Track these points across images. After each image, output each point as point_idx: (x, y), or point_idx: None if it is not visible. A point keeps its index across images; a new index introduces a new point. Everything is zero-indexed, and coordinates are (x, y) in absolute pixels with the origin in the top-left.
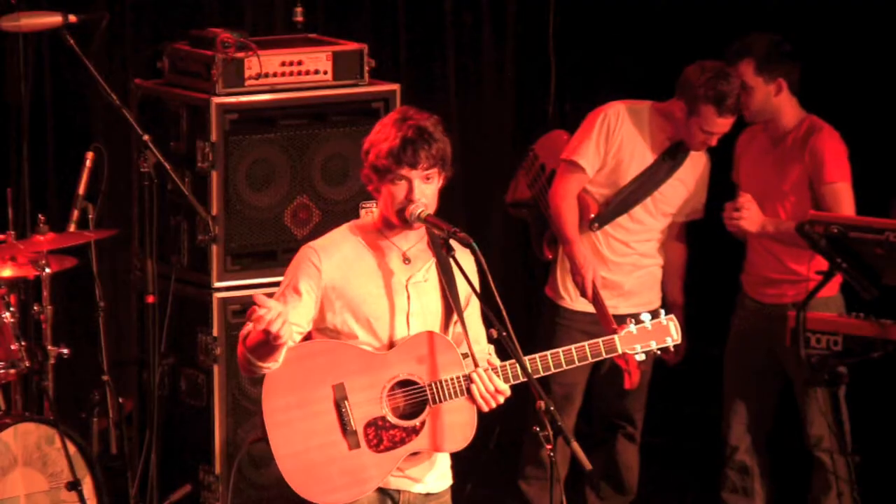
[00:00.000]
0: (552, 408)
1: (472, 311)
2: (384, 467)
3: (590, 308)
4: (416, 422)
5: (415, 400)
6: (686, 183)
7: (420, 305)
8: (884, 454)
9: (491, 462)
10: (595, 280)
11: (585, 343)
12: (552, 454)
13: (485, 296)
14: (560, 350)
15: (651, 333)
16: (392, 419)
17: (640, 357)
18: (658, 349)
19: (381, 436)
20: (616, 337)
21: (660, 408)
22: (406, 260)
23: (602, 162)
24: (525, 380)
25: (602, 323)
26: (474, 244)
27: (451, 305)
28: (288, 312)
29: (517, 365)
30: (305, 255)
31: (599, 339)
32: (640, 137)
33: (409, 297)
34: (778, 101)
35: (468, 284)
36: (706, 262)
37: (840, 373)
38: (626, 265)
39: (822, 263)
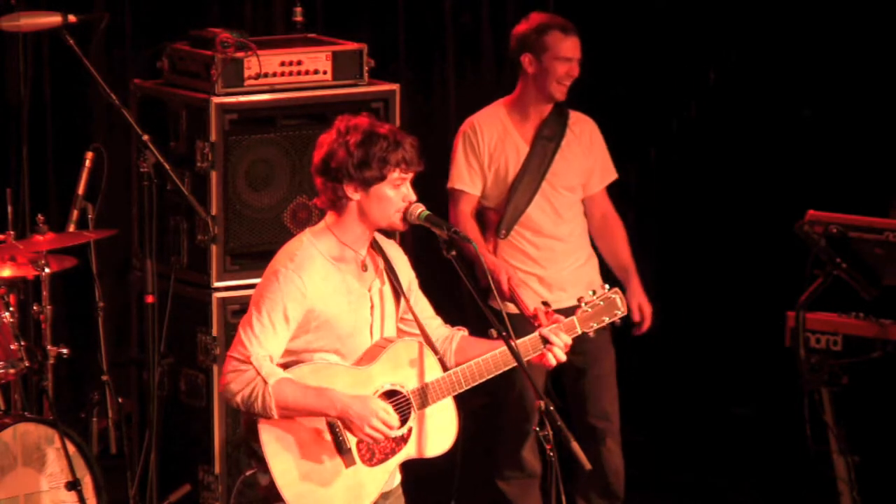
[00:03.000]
0: (552, 408)
1: (419, 295)
2: (378, 480)
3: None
4: (404, 430)
5: (400, 409)
6: (576, 154)
7: (380, 311)
8: (884, 454)
9: (468, 464)
10: (511, 279)
11: (548, 330)
12: (552, 454)
13: (483, 295)
14: (527, 338)
15: (602, 310)
16: None
17: (593, 334)
18: (610, 323)
19: (373, 449)
20: (575, 318)
21: (642, 405)
22: (364, 267)
23: (482, 177)
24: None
25: (525, 315)
26: (474, 243)
27: (399, 302)
28: (273, 343)
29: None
30: (288, 279)
31: (562, 321)
32: (507, 135)
33: (372, 307)
34: None
35: (469, 278)
36: (700, 266)
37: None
38: (556, 255)
39: None
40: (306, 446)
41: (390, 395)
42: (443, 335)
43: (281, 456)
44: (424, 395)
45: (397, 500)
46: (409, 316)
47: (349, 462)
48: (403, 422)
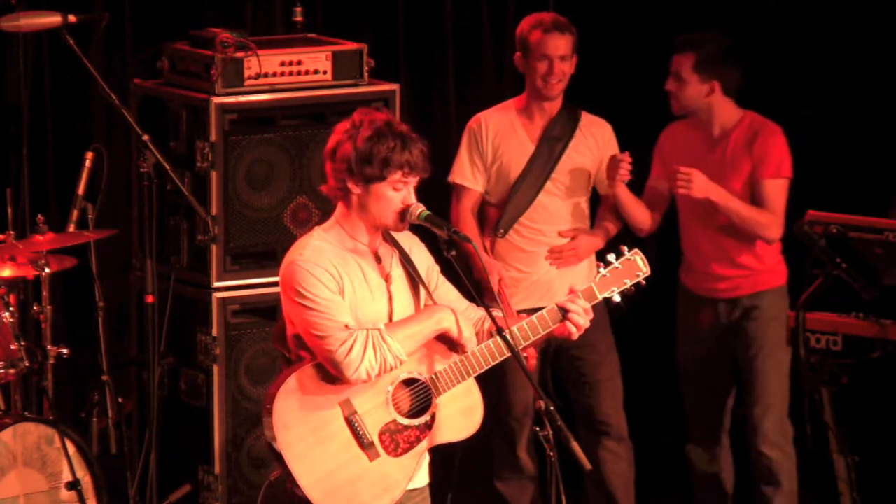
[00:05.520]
0: (552, 408)
1: (441, 279)
2: (407, 469)
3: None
4: (427, 417)
5: (420, 396)
6: (584, 156)
7: (398, 302)
8: (884, 454)
9: (466, 464)
10: (502, 278)
11: (565, 300)
12: (552, 454)
13: (481, 297)
14: (544, 311)
15: (623, 273)
16: (403, 420)
17: (617, 298)
18: (632, 285)
19: (397, 439)
20: (593, 285)
21: (641, 406)
22: (378, 259)
23: (484, 174)
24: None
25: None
26: (473, 242)
27: (418, 291)
28: (343, 311)
29: (534, 320)
30: (308, 262)
31: (578, 290)
32: (513, 133)
33: (390, 298)
34: (709, 101)
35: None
36: None
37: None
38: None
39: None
40: (327, 445)
41: (409, 383)
42: (474, 318)
43: (302, 459)
44: (443, 380)
45: (423, 501)
46: (431, 303)
47: (373, 455)
48: (425, 409)
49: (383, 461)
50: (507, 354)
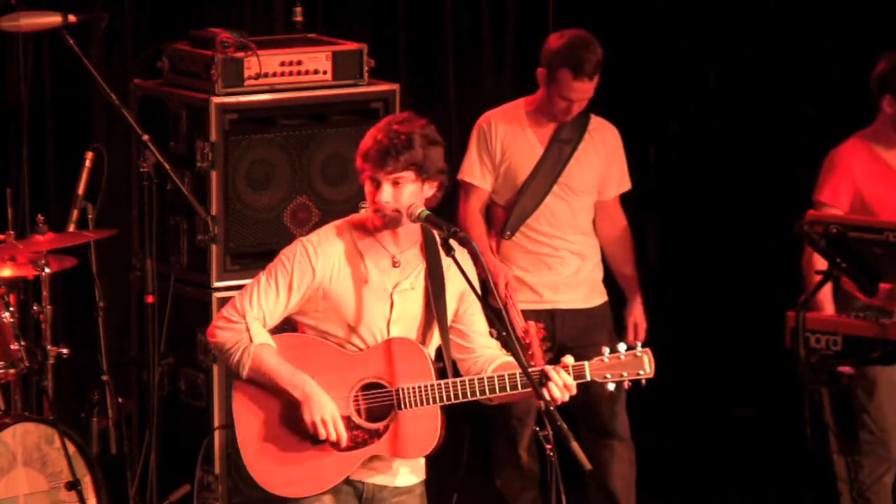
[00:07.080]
0: (552, 408)
1: (474, 308)
2: (343, 467)
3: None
4: (380, 425)
5: (381, 404)
6: (592, 159)
7: (402, 312)
8: None
9: (468, 464)
10: (508, 283)
11: (551, 367)
12: (552, 454)
13: (484, 295)
14: (531, 370)
15: (624, 364)
16: (357, 420)
17: (610, 387)
18: (630, 381)
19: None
20: (586, 364)
21: (642, 407)
22: (395, 264)
23: (493, 172)
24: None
25: (513, 325)
26: (474, 244)
27: (431, 309)
28: (272, 307)
29: (517, 374)
30: (302, 250)
31: (569, 364)
32: (523, 134)
33: (392, 305)
34: None
35: (469, 285)
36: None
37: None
38: (561, 260)
39: None
40: (276, 414)
41: (373, 387)
42: (489, 356)
43: (249, 417)
44: (408, 397)
45: (415, 499)
46: (457, 325)
47: (315, 441)
48: (382, 417)
49: (323, 450)
50: (482, 397)
